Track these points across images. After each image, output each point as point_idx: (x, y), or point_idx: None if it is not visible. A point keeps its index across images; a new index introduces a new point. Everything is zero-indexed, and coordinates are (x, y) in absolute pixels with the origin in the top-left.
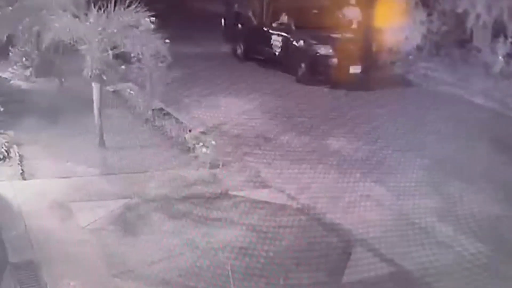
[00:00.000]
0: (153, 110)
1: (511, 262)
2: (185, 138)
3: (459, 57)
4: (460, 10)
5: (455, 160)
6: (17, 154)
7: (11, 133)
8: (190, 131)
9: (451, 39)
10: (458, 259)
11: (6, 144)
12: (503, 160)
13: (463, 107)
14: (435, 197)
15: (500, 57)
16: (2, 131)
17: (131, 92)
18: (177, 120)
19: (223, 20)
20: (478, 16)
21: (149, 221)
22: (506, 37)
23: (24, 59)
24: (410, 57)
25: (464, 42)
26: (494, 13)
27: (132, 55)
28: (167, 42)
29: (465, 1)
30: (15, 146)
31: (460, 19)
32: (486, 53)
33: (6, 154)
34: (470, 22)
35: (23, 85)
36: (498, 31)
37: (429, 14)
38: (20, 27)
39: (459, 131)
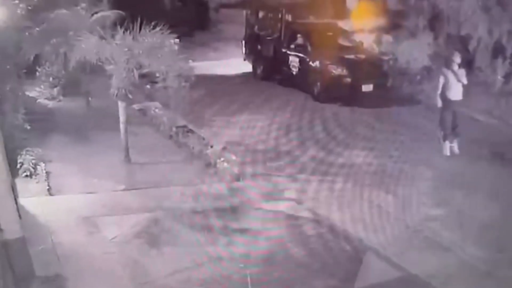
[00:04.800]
0: (177, 127)
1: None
2: (207, 153)
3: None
4: (463, 33)
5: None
6: (44, 171)
7: (38, 150)
8: (211, 147)
9: (447, 55)
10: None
11: (33, 161)
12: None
13: (464, 123)
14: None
15: (499, 77)
16: (29, 148)
17: (156, 110)
18: (199, 136)
19: (243, 42)
20: (479, 39)
21: (172, 234)
22: (504, 58)
23: (51, 78)
24: (418, 77)
25: (467, 63)
26: (494, 36)
27: (157, 75)
28: (190, 63)
29: (468, 25)
30: (42, 163)
31: (464, 42)
32: (487, 73)
33: (33, 171)
34: (472, 44)
35: (50, 104)
36: (497, 52)
37: (435, 37)
38: (47, 48)
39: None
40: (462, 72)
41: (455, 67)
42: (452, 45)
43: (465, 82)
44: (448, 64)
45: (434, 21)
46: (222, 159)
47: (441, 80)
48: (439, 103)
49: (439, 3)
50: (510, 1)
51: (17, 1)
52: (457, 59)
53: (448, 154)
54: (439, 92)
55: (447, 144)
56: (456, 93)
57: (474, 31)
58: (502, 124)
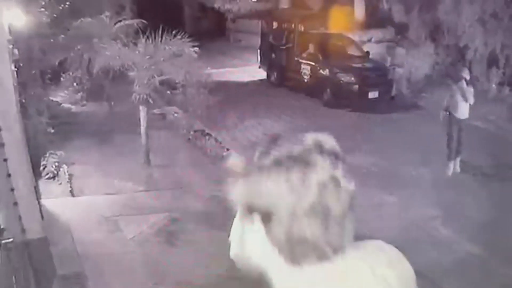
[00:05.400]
0: (195, 131)
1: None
2: (223, 156)
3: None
4: (461, 44)
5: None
6: (66, 173)
7: (61, 153)
8: (227, 150)
9: (454, 69)
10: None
11: (56, 163)
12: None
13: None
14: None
15: (493, 85)
16: (52, 151)
17: (175, 114)
18: (216, 140)
19: (259, 51)
20: (476, 50)
21: (189, 233)
22: (498, 67)
23: (75, 83)
24: (420, 85)
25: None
26: (489, 47)
27: (176, 81)
28: (208, 70)
29: (466, 37)
30: (64, 165)
31: (462, 52)
32: (482, 81)
33: (55, 173)
34: (469, 54)
35: (74, 108)
36: (491, 62)
37: (436, 47)
38: (72, 54)
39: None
40: (470, 91)
41: (463, 85)
42: (451, 55)
43: (472, 101)
44: (456, 80)
45: (435, 33)
46: None
47: (446, 96)
48: (442, 119)
49: (439, 16)
50: (503, 15)
51: (43, 9)
52: (466, 75)
53: (451, 174)
54: (443, 108)
55: (451, 164)
56: (462, 111)
57: (471, 42)
58: (495, 128)
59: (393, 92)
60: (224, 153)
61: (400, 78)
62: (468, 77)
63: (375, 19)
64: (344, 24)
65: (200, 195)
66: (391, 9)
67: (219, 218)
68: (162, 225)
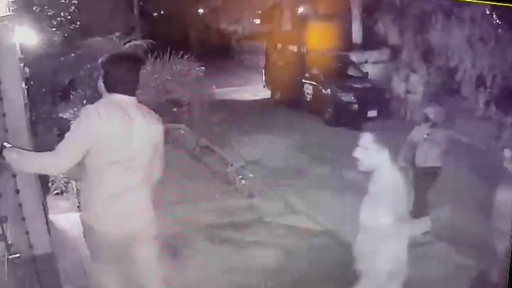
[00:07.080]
0: (200, 147)
1: None
2: (226, 171)
3: (451, 104)
4: (451, 65)
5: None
6: (74, 188)
7: None
8: (231, 165)
9: (445, 89)
10: None
11: (65, 179)
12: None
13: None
14: None
15: (480, 104)
16: None
17: (181, 131)
18: (220, 156)
19: (263, 70)
20: (465, 70)
21: (193, 246)
22: (485, 87)
23: (84, 101)
24: (413, 103)
25: (454, 91)
26: (477, 68)
27: (183, 99)
28: (214, 88)
29: (456, 58)
30: (73, 181)
31: (452, 73)
32: (471, 100)
33: (64, 188)
34: (459, 75)
35: None
36: (479, 82)
37: (428, 68)
38: (82, 72)
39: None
40: (440, 134)
41: (426, 125)
42: (442, 76)
43: (443, 145)
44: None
45: (427, 54)
46: (240, 176)
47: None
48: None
49: (431, 38)
50: (489, 38)
51: (54, 29)
52: (431, 114)
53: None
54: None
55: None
56: (424, 157)
57: (460, 63)
58: (481, 144)
59: (391, 110)
60: (228, 169)
61: (396, 97)
62: (432, 116)
63: (371, 40)
64: (343, 45)
65: (203, 209)
66: (386, 32)
67: (221, 230)
68: (166, 238)
